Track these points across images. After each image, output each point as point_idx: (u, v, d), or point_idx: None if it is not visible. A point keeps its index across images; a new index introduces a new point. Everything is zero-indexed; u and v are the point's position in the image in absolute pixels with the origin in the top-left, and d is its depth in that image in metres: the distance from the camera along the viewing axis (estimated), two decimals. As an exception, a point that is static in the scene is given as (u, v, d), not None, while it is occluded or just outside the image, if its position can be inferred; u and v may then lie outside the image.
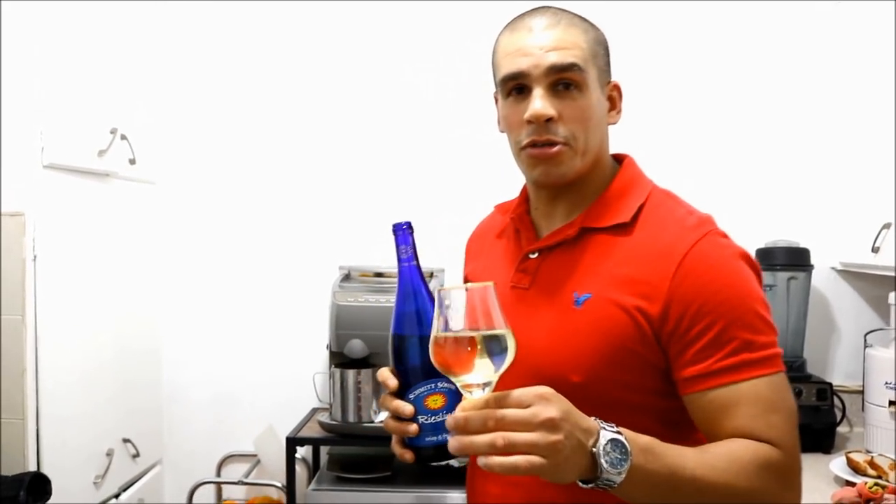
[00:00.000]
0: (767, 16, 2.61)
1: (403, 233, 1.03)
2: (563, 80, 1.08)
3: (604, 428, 0.89)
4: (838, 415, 2.41)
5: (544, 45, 1.08)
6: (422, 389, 1.00)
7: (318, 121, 2.74)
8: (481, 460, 0.85)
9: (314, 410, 2.66)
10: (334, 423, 2.38)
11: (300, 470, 2.70)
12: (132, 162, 2.40)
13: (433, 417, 0.99)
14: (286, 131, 2.75)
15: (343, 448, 2.52)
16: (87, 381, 2.25)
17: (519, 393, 0.86)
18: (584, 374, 1.05)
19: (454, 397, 0.98)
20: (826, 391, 2.35)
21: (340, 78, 2.73)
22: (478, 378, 0.88)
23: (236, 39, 2.75)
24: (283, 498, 2.47)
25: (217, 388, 2.77)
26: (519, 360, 0.90)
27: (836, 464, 2.05)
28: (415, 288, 1.03)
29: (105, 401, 2.35)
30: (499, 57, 1.14)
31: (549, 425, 0.84)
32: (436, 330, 0.89)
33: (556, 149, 1.08)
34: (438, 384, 0.99)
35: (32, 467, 2.01)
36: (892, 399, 2.20)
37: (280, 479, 2.50)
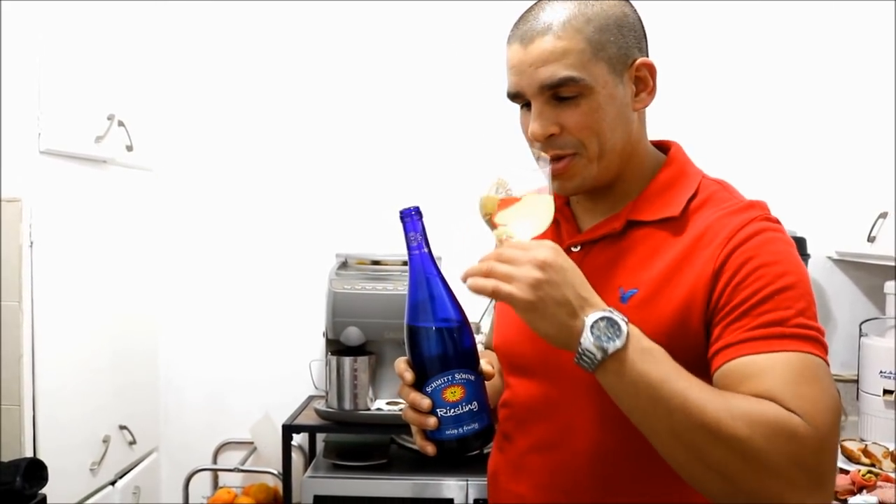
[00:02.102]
0: (764, 9, 2.61)
1: (412, 219, 0.98)
2: (560, 93, 1.02)
3: (612, 310, 0.89)
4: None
5: (534, 60, 1.02)
6: (439, 382, 0.97)
7: (315, 108, 2.74)
8: (466, 282, 0.92)
9: (311, 398, 2.66)
10: (330, 410, 2.38)
11: (296, 457, 2.70)
12: (129, 148, 2.39)
13: (453, 410, 0.97)
14: (284, 119, 2.75)
15: (339, 435, 2.52)
16: (84, 367, 2.25)
17: (531, 240, 0.93)
18: None
19: (473, 388, 0.97)
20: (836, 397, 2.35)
21: (337, 64, 2.73)
22: (508, 231, 0.95)
23: (234, 25, 2.74)
24: (279, 485, 2.48)
25: (214, 375, 2.77)
26: (569, 361, 0.90)
27: (831, 475, 2.06)
28: (428, 275, 0.99)
29: (102, 388, 2.35)
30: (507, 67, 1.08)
31: (537, 264, 0.88)
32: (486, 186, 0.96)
33: (563, 162, 1.04)
34: (456, 375, 0.97)
35: (29, 453, 2.01)
36: (887, 388, 2.21)
37: (276, 467, 2.50)
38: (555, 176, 1.04)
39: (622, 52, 1.04)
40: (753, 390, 0.88)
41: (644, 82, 1.07)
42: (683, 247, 1.02)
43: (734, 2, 2.62)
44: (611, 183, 1.08)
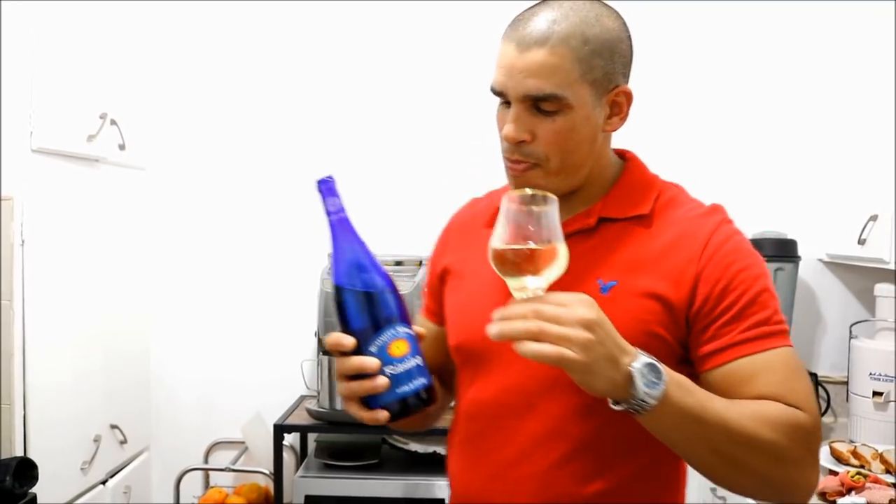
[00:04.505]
0: (755, 12, 2.62)
1: (329, 186, 1.00)
2: (541, 105, 1.05)
3: (641, 353, 0.92)
4: (823, 405, 2.43)
5: (525, 68, 1.04)
6: (383, 338, 0.96)
7: (308, 106, 2.74)
8: (516, 345, 0.89)
9: (302, 398, 2.66)
10: (322, 410, 2.38)
11: (288, 457, 2.70)
12: (122, 147, 2.39)
13: (401, 365, 0.96)
14: (277, 116, 2.75)
15: (331, 435, 2.52)
16: (75, 366, 2.25)
17: (562, 294, 0.91)
18: None
19: (414, 342, 0.98)
20: (811, 381, 2.36)
21: (331, 62, 2.72)
22: (534, 282, 0.93)
23: (229, 23, 2.74)
24: (271, 485, 2.48)
25: (206, 374, 2.77)
26: None
27: (820, 453, 2.07)
28: (357, 239, 1.00)
29: (93, 387, 2.34)
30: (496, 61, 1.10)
31: (584, 324, 0.88)
32: (503, 235, 0.93)
33: (522, 167, 1.09)
34: (399, 329, 0.97)
35: (19, 452, 2.00)
36: (876, 390, 2.22)
37: (267, 467, 2.50)
38: (514, 177, 1.10)
39: (607, 77, 1.08)
40: (760, 390, 1.01)
41: (619, 107, 1.12)
42: (660, 243, 1.09)
43: (726, 4, 2.62)
44: (569, 192, 1.13)
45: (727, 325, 1.04)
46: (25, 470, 1.95)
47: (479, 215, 1.25)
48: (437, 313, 1.29)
